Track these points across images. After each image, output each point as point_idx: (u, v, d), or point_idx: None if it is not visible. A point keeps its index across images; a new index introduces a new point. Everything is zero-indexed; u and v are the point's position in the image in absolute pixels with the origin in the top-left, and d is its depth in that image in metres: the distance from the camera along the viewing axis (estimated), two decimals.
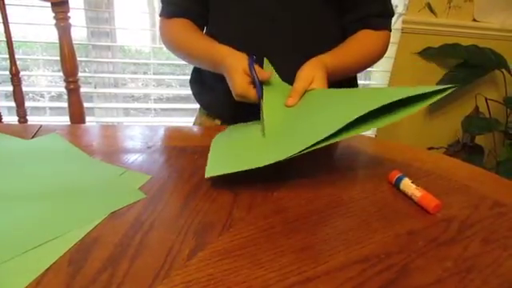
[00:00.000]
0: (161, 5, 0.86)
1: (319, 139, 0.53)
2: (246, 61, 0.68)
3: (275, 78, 0.73)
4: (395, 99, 0.53)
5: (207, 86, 0.88)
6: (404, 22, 1.45)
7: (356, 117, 0.52)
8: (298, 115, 0.63)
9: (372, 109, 0.52)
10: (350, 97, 0.61)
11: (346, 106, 0.58)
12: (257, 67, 0.68)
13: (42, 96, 1.54)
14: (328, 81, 0.69)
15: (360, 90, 0.65)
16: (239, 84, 0.67)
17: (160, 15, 0.86)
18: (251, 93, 0.67)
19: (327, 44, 0.78)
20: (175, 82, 1.61)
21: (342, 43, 0.79)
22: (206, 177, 0.54)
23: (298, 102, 0.66)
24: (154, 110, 1.56)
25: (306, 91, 0.67)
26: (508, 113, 1.50)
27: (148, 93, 1.54)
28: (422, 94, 0.53)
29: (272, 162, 0.54)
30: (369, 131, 1.63)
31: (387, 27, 0.82)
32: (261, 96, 0.66)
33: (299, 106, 0.66)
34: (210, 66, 0.76)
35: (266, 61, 0.75)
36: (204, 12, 0.83)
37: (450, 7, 1.48)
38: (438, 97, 0.53)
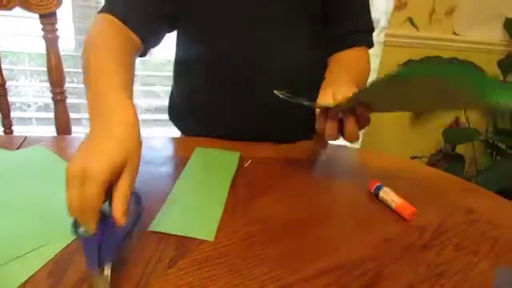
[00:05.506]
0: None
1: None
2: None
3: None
4: None
5: (191, 108, 0.83)
6: (386, 35, 1.49)
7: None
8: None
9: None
10: None
11: None
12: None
13: (29, 106, 1.53)
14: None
15: None
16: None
17: (99, 11, 0.68)
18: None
19: (301, 52, 0.76)
20: (164, 92, 1.62)
21: (346, 62, 0.77)
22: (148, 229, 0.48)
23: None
24: (142, 120, 1.57)
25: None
26: (487, 123, 1.55)
27: (136, 104, 1.55)
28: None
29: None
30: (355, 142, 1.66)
31: (372, 43, 0.82)
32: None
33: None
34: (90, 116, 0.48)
35: (196, 150, 0.69)
36: (156, 28, 0.71)
37: (431, 21, 1.52)
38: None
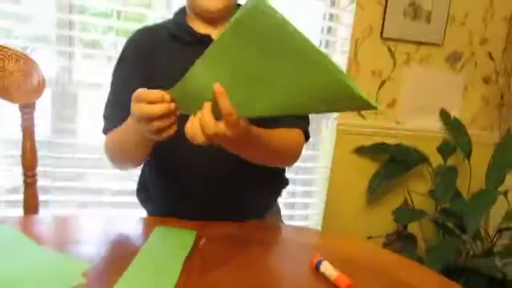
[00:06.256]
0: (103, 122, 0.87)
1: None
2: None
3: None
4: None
5: (154, 193, 0.92)
6: (338, 124, 1.68)
7: None
8: None
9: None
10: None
11: None
12: None
13: None
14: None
15: None
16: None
17: (103, 132, 0.86)
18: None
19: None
20: (137, 175, 1.67)
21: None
22: None
23: None
24: (111, 203, 1.61)
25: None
26: (436, 203, 1.68)
27: (107, 187, 1.60)
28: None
29: None
30: (315, 221, 1.74)
31: (308, 134, 0.87)
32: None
33: None
34: (133, 134, 0.69)
35: (156, 229, 0.74)
36: None
37: (376, 112, 1.73)
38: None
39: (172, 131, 0.60)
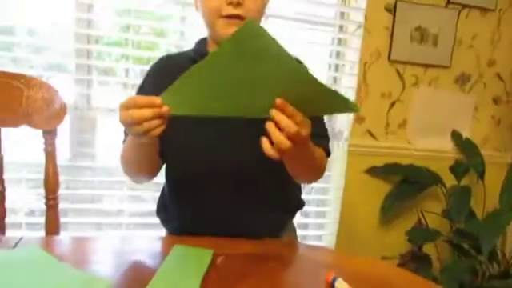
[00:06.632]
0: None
1: None
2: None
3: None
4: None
5: (172, 213, 0.96)
6: (350, 145, 1.69)
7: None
8: None
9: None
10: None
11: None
12: None
13: (17, 212, 1.59)
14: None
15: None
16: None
17: (122, 143, 0.91)
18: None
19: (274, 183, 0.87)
20: (150, 198, 1.71)
21: None
22: None
23: None
24: (127, 224, 1.63)
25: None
26: (451, 223, 1.67)
27: (124, 208, 1.63)
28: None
29: None
30: (329, 241, 1.74)
31: (329, 152, 0.91)
32: None
33: None
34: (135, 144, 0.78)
35: (175, 247, 0.76)
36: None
37: (387, 133, 1.76)
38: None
39: (159, 131, 0.64)
